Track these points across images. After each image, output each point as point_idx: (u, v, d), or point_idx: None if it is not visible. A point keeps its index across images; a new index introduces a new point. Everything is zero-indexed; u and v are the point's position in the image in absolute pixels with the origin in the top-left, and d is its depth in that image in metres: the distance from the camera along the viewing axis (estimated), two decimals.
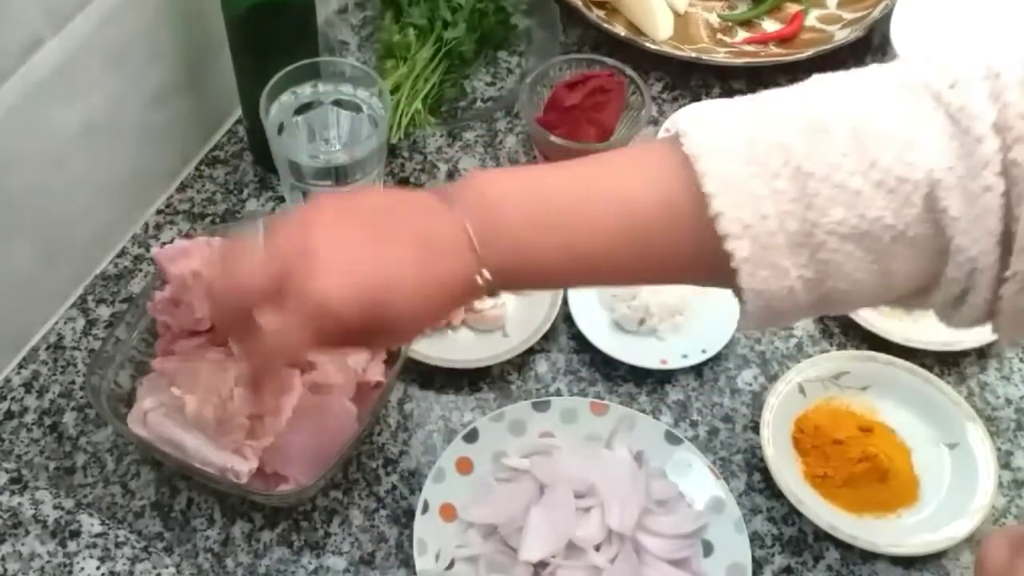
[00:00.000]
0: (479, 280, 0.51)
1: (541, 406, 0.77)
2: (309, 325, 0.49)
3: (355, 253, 0.50)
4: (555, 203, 0.51)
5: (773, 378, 0.81)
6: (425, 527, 0.71)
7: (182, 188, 0.90)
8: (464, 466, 0.74)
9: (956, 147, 0.46)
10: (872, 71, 0.51)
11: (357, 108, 0.81)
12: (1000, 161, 0.45)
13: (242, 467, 0.67)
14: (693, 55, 0.99)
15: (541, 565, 0.69)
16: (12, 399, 0.78)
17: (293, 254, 0.50)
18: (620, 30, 1.00)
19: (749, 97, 0.52)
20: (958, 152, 0.46)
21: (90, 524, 0.72)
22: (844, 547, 0.73)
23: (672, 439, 0.75)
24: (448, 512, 0.72)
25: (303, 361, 0.69)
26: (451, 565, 0.70)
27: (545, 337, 0.81)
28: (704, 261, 0.49)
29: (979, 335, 0.81)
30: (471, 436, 0.75)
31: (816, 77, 0.53)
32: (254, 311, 0.50)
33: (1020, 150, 0.45)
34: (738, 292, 0.49)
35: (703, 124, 0.50)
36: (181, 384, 0.68)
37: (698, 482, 0.74)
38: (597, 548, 0.69)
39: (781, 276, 0.48)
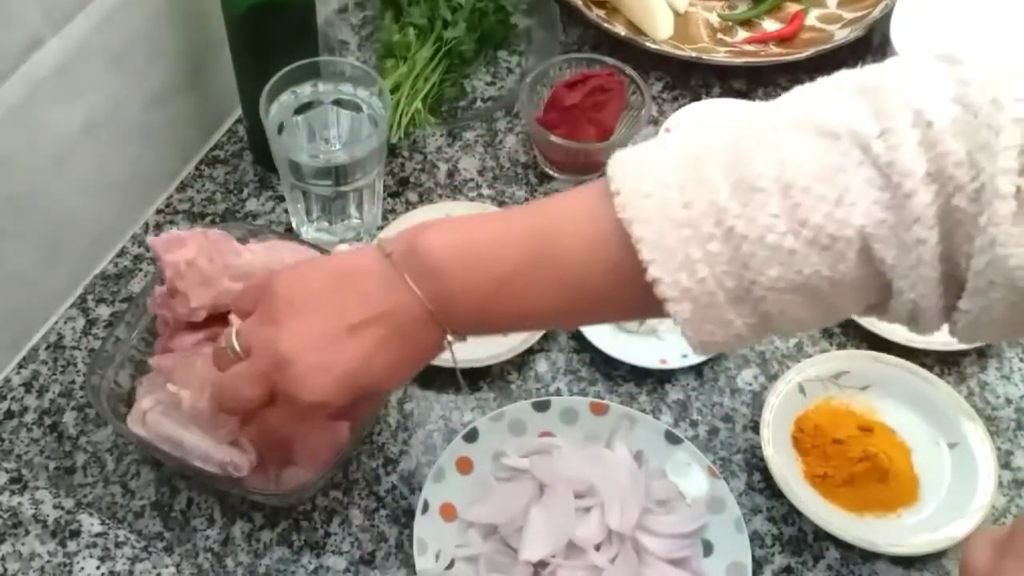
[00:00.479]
0: (447, 342, 0.56)
1: (541, 406, 0.77)
2: (308, 419, 0.60)
3: (327, 347, 0.54)
4: (501, 271, 0.53)
5: (773, 378, 0.81)
6: (425, 527, 0.71)
7: (182, 188, 0.90)
8: (464, 466, 0.74)
9: (887, 199, 0.46)
10: (802, 101, 0.51)
11: (357, 108, 0.81)
12: (934, 213, 0.45)
13: (242, 460, 0.67)
14: (693, 55, 0.99)
15: (541, 565, 0.69)
16: (12, 399, 0.78)
17: (272, 367, 0.55)
18: (620, 30, 1.00)
19: (680, 139, 0.52)
20: (888, 203, 0.46)
21: (90, 524, 0.72)
22: (844, 547, 0.73)
23: (672, 439, 0.75)
24: (448, 512, 0.72)
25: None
26: (451, 565, 0.70)
27: (545, 337, 0.81)
28: (652, 310, 0.50)
29: None
30: (471, 436, 0.75)
31: (741, 112, 0.52)
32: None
33: (961, 198, 0.45)
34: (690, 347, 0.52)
35: (636, 181, 0.49)
36: (178, 380, 0.68)
37: (698, 482, 0.74)
38: (597, 548, 0.69)
39: (726, 327, 0.49)
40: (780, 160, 0.47)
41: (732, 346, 0.51)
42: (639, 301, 0.50)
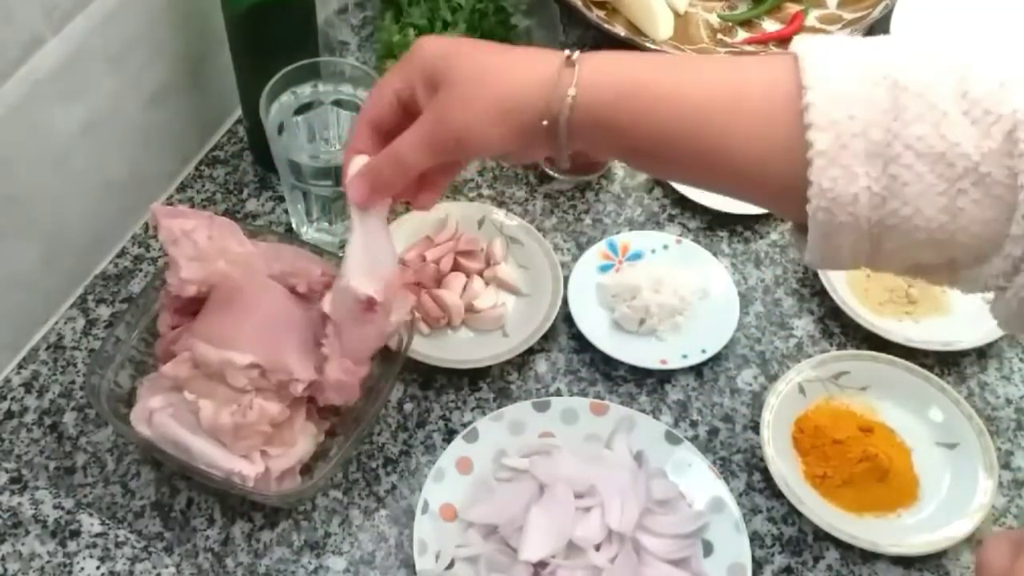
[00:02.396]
0: (567, 97, 0.54)
1: (541, 406, 0.77)
2: (437, 146, 0.57)
3: (462, 41, 0.58)
4: (673, 60, 0.56)
5: (773, 378, 0.81)
6: (425, 527, 0.71)
7: (182, 188, 0.90)
8: (464, 466, 0.74)
9: None
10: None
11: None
12: None
13: (249, 471, 0.67)
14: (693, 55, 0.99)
15: (541, 565, 0.69)
16: (12, 399, 0.78)
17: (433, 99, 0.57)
18: (620, 30, 1.00)
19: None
20: None
21: (90, 524, 0.72)
22: (844, 547, 0.73)
23: (672, 439, 0.75)
24: (448, 512, 0.72)
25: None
26: (451, 565, 0.70)
27: (545, 337, 0.81)
28: (787, 157, 0.50)
29: (979, 335, 0.81)
30: (471, 436, 0.75)
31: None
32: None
33: None
34: (807, 199, 0.50)
35: (818, 39, 0.53)
36: (195, 390, 0.68)
37: (698, 482, 0.74)
38: (597, 548, 0.69)
39: (850, 180, 0.49)
40: (961, 47, 0.50)
41: (842, 219, 0.50)
42: (784, 138, 0.51)
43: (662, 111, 0.54)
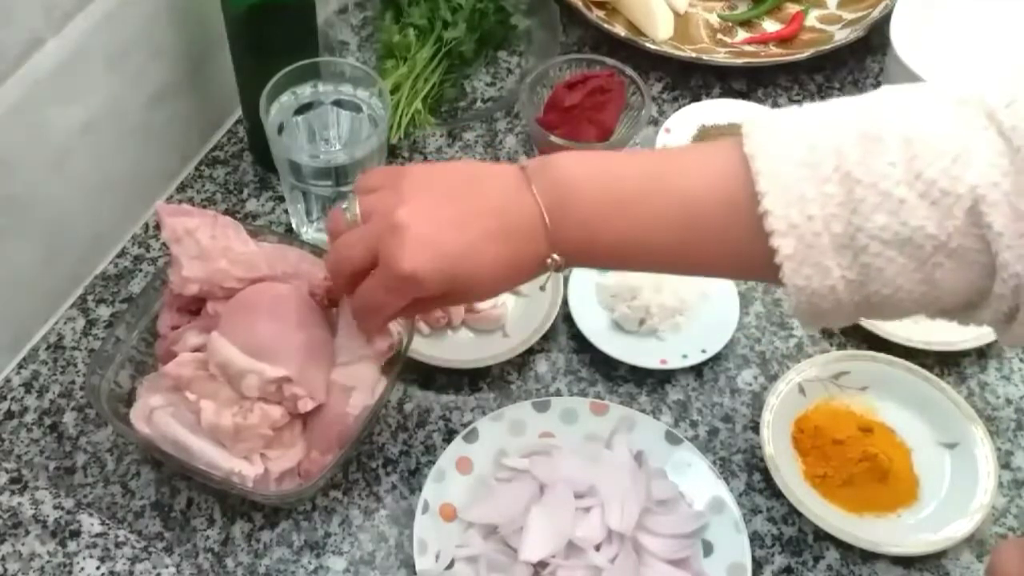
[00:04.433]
0: (549, 261, 0.57)
1: (541, 406, 0.77)
2: (398, 292, 0.59)
3: (440, 227, 0.57)
4: (623, 192, 0.55)
5: (773, 378, 0.81)
6: (425, 527, 0.71)
7: (182, 188, 0.90)
8: (464, 466, 0.74)
9: (1005, 164, 0.47)
10: (934, 85, 0.53)
11: (357, 108, 0.81)
12: None
13: (248, 472, 0.67)
14: (693, 55, 0.99)
15: (541, 565, 0.69)
16: (12, 399, 0.78)
17: (385, 229, 0.57)
18: (620, 30, 1.00)
19: (814, 105, 0.54)
20: (1006, 169, 0.47)
21: (90, 524, 0.72)
22: (844, 547, 0.73)
23: (672, 439, 0.75)
24: (448, 512, 0.72)
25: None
26: (451, 565, 0.70)
27: (545, 337, 0.81)
28: (755, 257, 0.51)
29: (979, 335, 0.81)
30: (471, 436, 0.75)
31: (881, 89, 0.55)
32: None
33: None
34: (785, 295, 0.52)
35: (764, 127, 0.52)
36: (196, 391, 0.68)
37: (698, 482, 0.74)
38: (597, 548, 0.69)
39: (824, 275, 0.50)
40: (907, 118, 0.49)
41: (825, 305, 0.51)
42: (747, 244, 0.52)
43: (627, 252, 0.57)
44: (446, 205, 0.57)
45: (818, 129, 0.51)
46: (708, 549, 0.71)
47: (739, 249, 0.53)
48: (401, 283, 0.57)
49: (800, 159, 0.50)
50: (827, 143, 0.50)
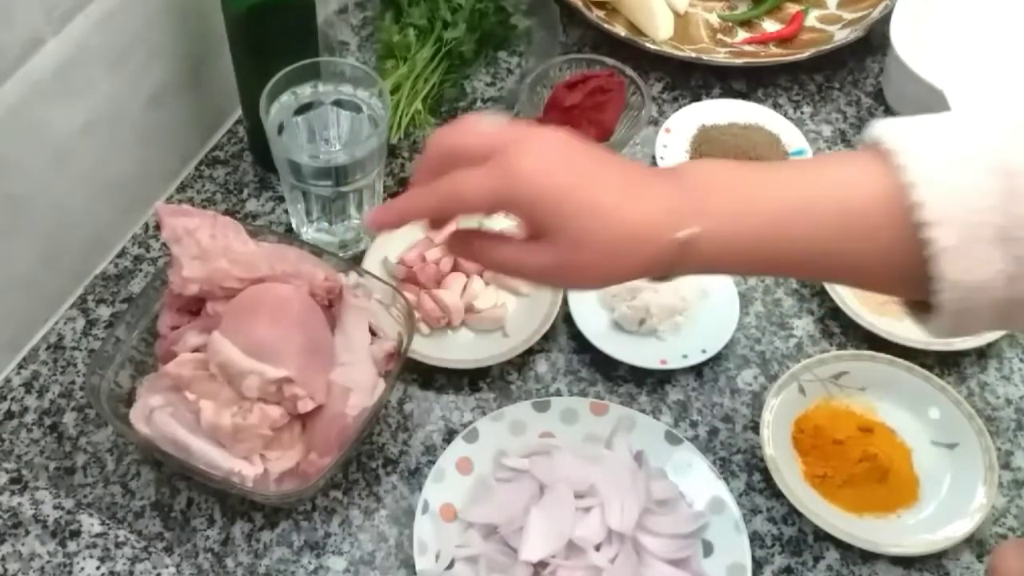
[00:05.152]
0: (677, 236, 0.50)
1: (541, 406, 0.77)
2: (494, 185, 0.51)
3: (567, 158, 0.51)
4: (771, 191, 0.52)
5: (773, 378, 0.81)
6: (425, 527, 0.71)
7: (182, 188, 0.90)
8: (464, 466, 0.74)
9: None
10: None
11: (357, 108, 0.81)
12: None
13: (248, 472, 0.67)
14: (693, 55, 0.99)
15: (541, 565, 0.69)
16: (12, 399, 0.78)
17: (513, 135, 0.51)
18: (620, 30, 1.00)
19: (946, 113, 0.53)
20: None
21: (90, 524, 0.72)
22: (844, 547, 0.73)
23: (672, 439, 0.75)
24: (448, 512, 0.72)
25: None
26: (451, 565, 0.70)
27: (545, 337, 0.81)
28: (906, 261, 0.50)
29: (979, 335, 0.81)
30: (471, 436, 0.75)
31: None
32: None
33: None
34: (933, 291, 0.50)
35: (905, 127, 0.51)
36: (196, 391, 0.68)
37: (698, 482, 0.74)
38: (597, 548, 0.69)
39: (981, 267, 0.49)
40: None
41: (975, 303, 0.50)
42: (898, 244, 0.50)
43: (777, 237, 0.52)
44: (581, 151, 0.52)
45: (969, 121, 0.50)
46: (708, 549, 0.71)
47: (889, 249, 0.51)
48: (502, 173, 0.51)
49: (953, 150, 0.49)
50: (979, 139, 0.49)
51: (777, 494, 0.74)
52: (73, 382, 0.79)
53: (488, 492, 0.73)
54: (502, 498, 0.72)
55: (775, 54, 1.00)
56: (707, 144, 0.93)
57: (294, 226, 0.86)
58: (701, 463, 0.74)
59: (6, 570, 0.70)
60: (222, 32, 0.81)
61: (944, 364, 0.82)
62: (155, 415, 0.69)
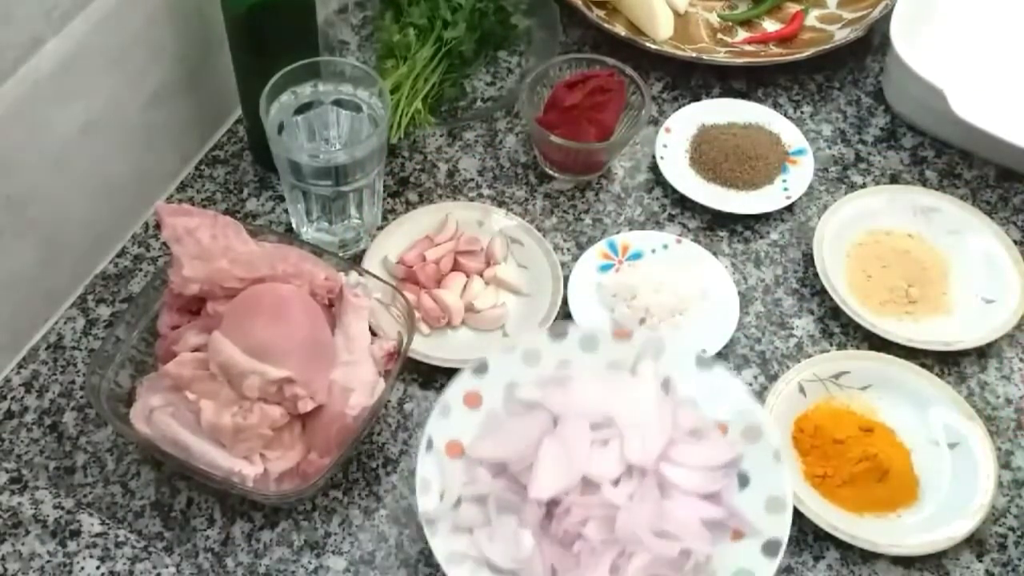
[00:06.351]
0: None
1: (558, 334, 0.71)
2: None
3: None
4: None
5: (773, 378, 0.81)
6: (429, 465, 0.66)
7: (182, 188, 0.90)
8: (472, 400, 0.69)
9: None
10: None
11: (357, 108, 0.81)
12: None
13: (248, 471, 0.67)
14: (693, 55, 0.99)
15: (553, 503, 0.64)
16: (12, 399, 0.78)
17: None
18: (620, 30, 1.00)
19: None
20: None
21: (90, 524, 0.72)
22: (844, 547, 0.73)
23: (704, 363, 0.69)
24: (454, 449, 0.67)
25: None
26: (457, 504, 0.65)
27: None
28: None
29: (979, 335, 0.81)
30: (480, 369, 0.69)
31: None
32: None
33: None
34: None
35: None
36: (197, 390, 0.68)
37: (733, 409, 0.68)
38: (615, 484, 0.64)
39: None
40: None
41: None
42: None
43: None
44: None
45: None
46: (744, 481, 0.66)
47: None
48: None
49: None
50: None
51: None
52: (73, 382, 0.79)
53: (498, 427, 0.68)
54: (513, 433, 0.67)
55: (775, 54, 1.00)
56: (707, 144, 0.93)
57: (294, 226, 0.86)
58: (737, 388, 0.69)
59: (6, 570, 0.70)
60: (222, 32, 0.81)
61: (944, 364, 0.82)
62: (155, 415, 0.69)
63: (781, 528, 0.64)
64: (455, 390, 0.69)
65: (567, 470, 0.64)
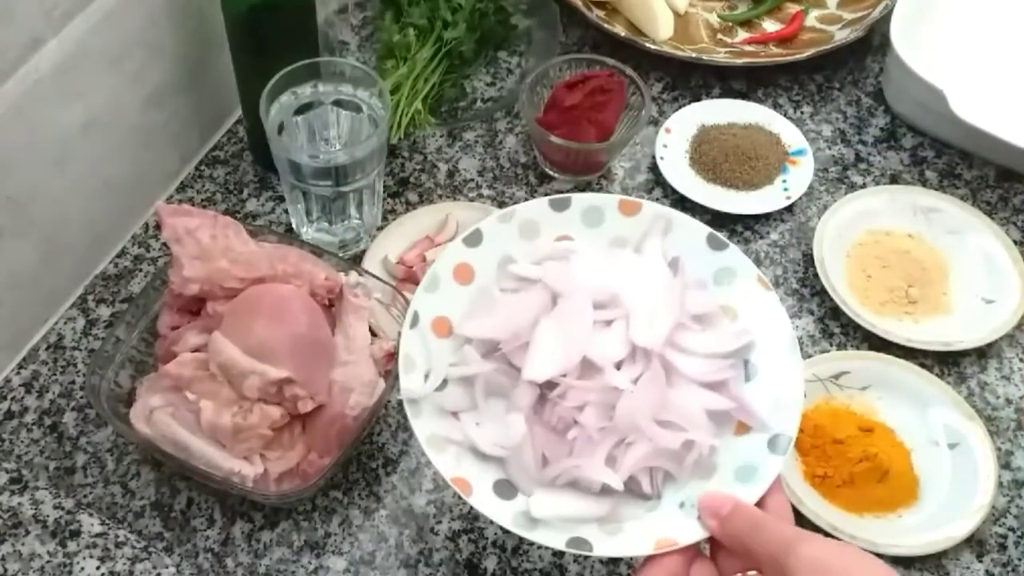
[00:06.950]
0: None
1: (560, 204, 0.64)
2: None
3: None
4: None
5: None
6: (413, 342, 0.60)
7: (182, 188, 0.90)
8: (463, 274, 0.63)
9: None
10: None
11: (357, 108, 0.81)
12: None
13: (248, 472, 0.67)
14: (693, 55, 0.99)
15: (548, 386, 0.58)
16: (12, 399, 0.78)
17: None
18: (620, 30, 1.00)
19: None
20: None
21: (90, 524, 0.72)
22: None
23: (716, 243, 0.64)
24: (442, 326, 0.61)
25: None
26: (443, 385, 0.60)
27: None
28: None
29: (979, 335, 0.81)
30: (473, 239, 0.63)
31: None
32: None
33: None
34: None
35: None
36: (196, 391, 0.68)
37: (744, 294, 0.63)
38: (618, 367, 0.58)
39: None
40: None
41: None
42: None
43: None
44: None
45: None
46: (751, 372, 0.60)
47: None
48: None
49: None
50: None
51: None
52: (73, 382, 0.79)
53: (490, 304, 0.62)
54: (507, 310, 0.61)
55: (775, 54, 1.00)
56: (707, 144, 0.93)
57: (294, 226, 0.86)
58: (749, 272, 0.63)
59: (6, 570, 0.70)
60: (222, 32, 0.81)
61: (944, 364, 0.82)
62: (155, 415, 0.69)
63: (789, 424, 0.58)
64: (444, 262, 0.62)
65: (566, 350, 0.58)
